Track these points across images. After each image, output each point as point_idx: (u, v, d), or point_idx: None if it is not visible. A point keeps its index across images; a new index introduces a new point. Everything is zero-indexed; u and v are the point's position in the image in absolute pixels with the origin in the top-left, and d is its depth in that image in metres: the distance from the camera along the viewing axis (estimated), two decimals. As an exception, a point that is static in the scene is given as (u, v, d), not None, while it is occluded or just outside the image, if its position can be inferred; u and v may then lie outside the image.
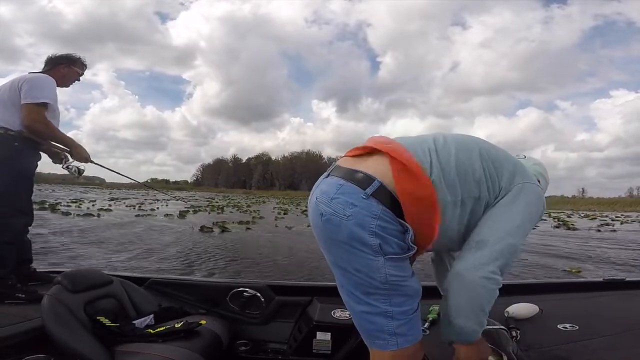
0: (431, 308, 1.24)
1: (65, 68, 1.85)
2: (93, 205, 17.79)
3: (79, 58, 1.90)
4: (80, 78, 1.94)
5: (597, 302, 1.27)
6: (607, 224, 16.66)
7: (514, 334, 1.00)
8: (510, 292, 1.39)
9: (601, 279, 1.48)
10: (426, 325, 1.13)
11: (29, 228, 1.78)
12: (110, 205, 18.04)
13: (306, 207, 0.96)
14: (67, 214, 12.59)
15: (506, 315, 1.13)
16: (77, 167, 1.85)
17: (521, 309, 1.13)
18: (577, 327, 0.98)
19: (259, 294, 1.45)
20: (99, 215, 12.85)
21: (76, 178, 1.92)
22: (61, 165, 1.85)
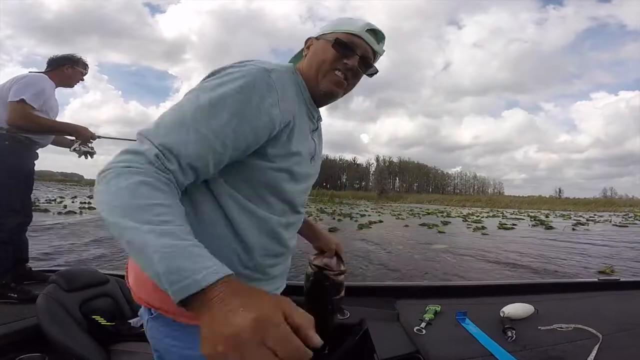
0: (427, 307, 1.26)
1: (69, 69, 1.88)
2: (73, 202, 17.20)
3: (80, 58, 1.94)
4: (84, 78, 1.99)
5: (592, 302, 1.30)
6: (582, 224, 17.41)
7: (509, 334, 1.03)
8: (506, 292, 1.42)
9: (596, 279, 1.54)
10: (422, 325, 1.14)
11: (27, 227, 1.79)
12: (91, 203, 17.47)
13: None
14: (46, 211, 12.14)
15: (502, 315, 1.15)
16: (87, 151, 1.86)
17: (517, 309, 1.15)
18: (572, 327, 1.02)
19: None
20: (81, 213, 12.46)
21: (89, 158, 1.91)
22: (69, 149, 1.87)
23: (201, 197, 0.63)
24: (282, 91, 0.63)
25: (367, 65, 0.75)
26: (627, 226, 17.17)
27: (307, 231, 0.98)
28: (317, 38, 0.75)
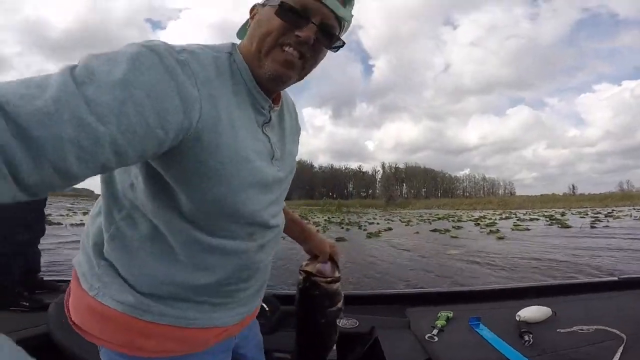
0: (439, 314, 1.22)
1: None
2: (85, 215, 17.54)
3: None
4: None
5: (613, 302, 1.24)
6: (600, 220, 16.92)
7: (526, 338, 0.98)
8: (520, 295, 1.37)
9: (616, 278, 1.47)
10: (434, 332, 1.10)
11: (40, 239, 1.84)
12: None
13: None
14: (59, 224, 12.38)
15: (517, 319, 1.10)
16: None
17: (533, 312, 1.10)
18: (594, 329, 0.96)
19: (263, 304, 1.42)
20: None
21: None
22: None
23: (149, 233, 0.54)
24: (201, 72, 0.48)
25: (329, 36, 0.56)
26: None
27: (296, 232, 0.86)
28: (262, 5, 0.57)
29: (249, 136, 0.55)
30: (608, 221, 16.51)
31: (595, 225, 14.33)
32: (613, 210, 29.81)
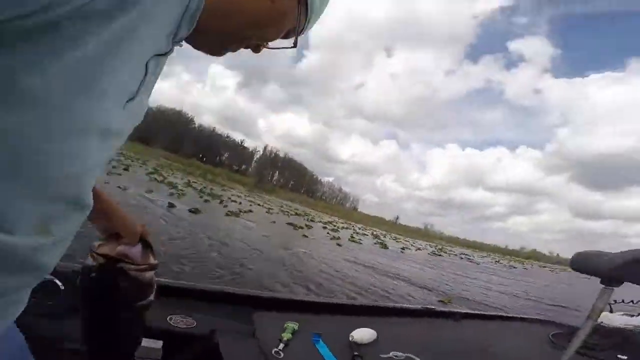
0: (286, 325, 1.21)
1: None
2: None
3: None
4: None
5: (420, 328, 1.53)
6: (408, 248, 22.14)
7: None
8: (356, 312, 1.53)
9: (420, 307, 1.79)
10: (281, 347, 1.07)
11: None
12: None
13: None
14: None
15: (351, 339, 1.20)
16: None
17: (363, 334, 1.22)
18: (404, 356, 1.12)
19: (57, 280, 1.06)
20: None
21: None
22: None
23: None
24: None
25: None
26: (441, 255, 22.70)
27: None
28: None
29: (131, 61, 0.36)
30: (411, 250, 21.76)
31: (403, 251, 18.59)
32: (416, 241, 39.93)
